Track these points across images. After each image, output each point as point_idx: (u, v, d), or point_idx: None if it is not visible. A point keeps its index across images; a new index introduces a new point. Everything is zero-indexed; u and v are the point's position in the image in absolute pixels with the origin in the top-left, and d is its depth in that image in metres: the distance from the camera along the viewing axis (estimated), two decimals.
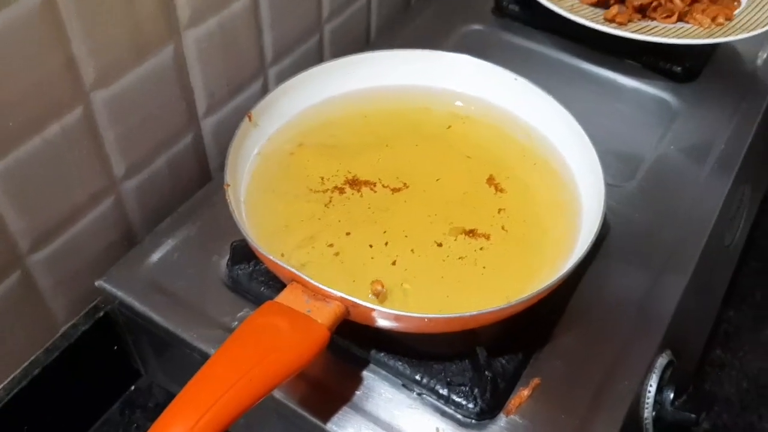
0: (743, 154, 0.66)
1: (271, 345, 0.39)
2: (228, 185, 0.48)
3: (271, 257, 0.43)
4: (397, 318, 0.41)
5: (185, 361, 0.52)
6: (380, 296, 0.46)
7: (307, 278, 0.41)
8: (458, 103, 0.60)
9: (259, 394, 0.38)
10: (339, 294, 0.41)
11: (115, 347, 0.60)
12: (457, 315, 0.41)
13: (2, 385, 0.53)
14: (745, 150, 0.66)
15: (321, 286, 0.41)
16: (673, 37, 0.67)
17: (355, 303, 0.41)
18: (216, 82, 0.61)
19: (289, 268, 0.42)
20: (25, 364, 0.54)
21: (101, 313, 0.57)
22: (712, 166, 0.64)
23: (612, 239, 0.57)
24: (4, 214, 0.47)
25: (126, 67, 0.51)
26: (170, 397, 0.38)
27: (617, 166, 0.63)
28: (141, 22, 0.50)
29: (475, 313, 0.41)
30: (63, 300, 0.55)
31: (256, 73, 0.65)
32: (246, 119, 0.53)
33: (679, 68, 0.71)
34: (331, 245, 0.49)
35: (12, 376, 0.53)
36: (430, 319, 0.41)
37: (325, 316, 0.41)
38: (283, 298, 0.42)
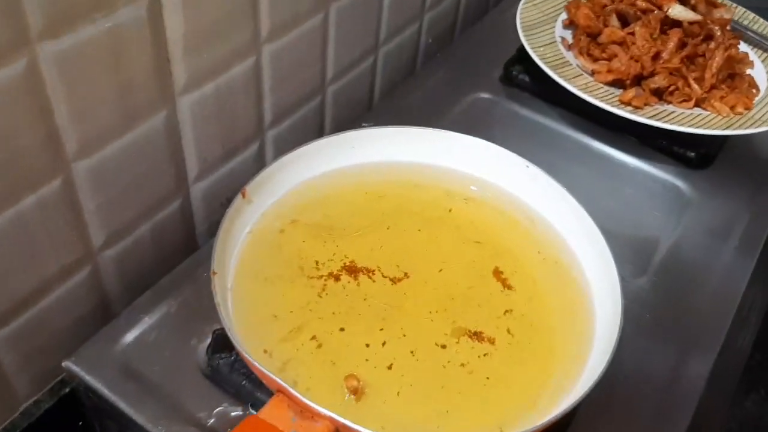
0: (760, 251, 0.63)
1: None
2: (215, 273, 0.44)
3: (257, 365, 0.39)
4: None
5: None
6: (357, 393, 0.42)
7: (295, 393, 0.37)
8: (473, 187, 0.57)
9: None
10: (329, 414, 0.37)
11: (80, 423, 0.55)
12: None
13: None
14: (761, 245, 0.63)
15: (310, 403, 0.37)
16: (689, 125, 0.64)
17: (348, 426, 0.37)
18: (209, 146, 0.57)
19: (278, 380, 0.38)
20: None
21: (67, 389, 0.53)
22: (727, 262, 0.61)
23: (622, 341, 0.53)
24: None
25: (113, 136, 0.47)
26: None
27: (628, 257, 0.60)
28: (131, 90, 0.46)
29: None
30: (26, 376, 0.51)
31: (253, 137, 0.61)
32: (239, 196, 0.49)
33: (692, 154, 0.69)
34: (320, 341, 0.45)
35: None
36: None
37: None
38: (267, 414, 0.38)
